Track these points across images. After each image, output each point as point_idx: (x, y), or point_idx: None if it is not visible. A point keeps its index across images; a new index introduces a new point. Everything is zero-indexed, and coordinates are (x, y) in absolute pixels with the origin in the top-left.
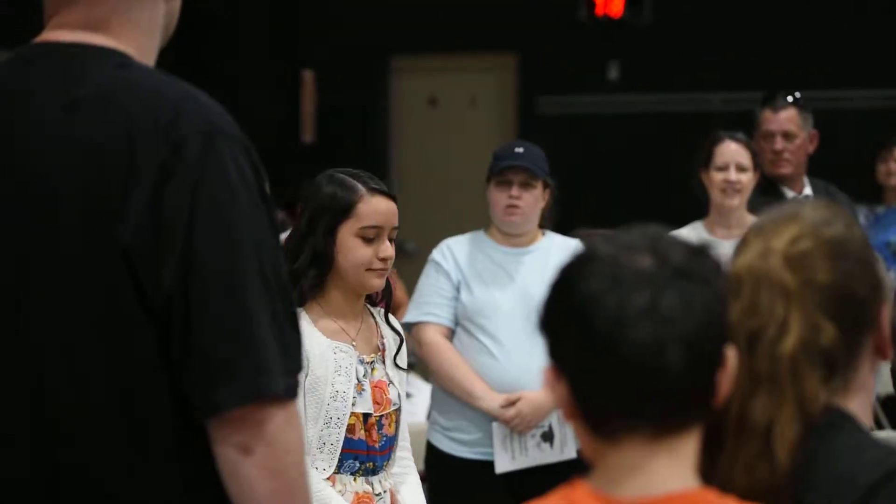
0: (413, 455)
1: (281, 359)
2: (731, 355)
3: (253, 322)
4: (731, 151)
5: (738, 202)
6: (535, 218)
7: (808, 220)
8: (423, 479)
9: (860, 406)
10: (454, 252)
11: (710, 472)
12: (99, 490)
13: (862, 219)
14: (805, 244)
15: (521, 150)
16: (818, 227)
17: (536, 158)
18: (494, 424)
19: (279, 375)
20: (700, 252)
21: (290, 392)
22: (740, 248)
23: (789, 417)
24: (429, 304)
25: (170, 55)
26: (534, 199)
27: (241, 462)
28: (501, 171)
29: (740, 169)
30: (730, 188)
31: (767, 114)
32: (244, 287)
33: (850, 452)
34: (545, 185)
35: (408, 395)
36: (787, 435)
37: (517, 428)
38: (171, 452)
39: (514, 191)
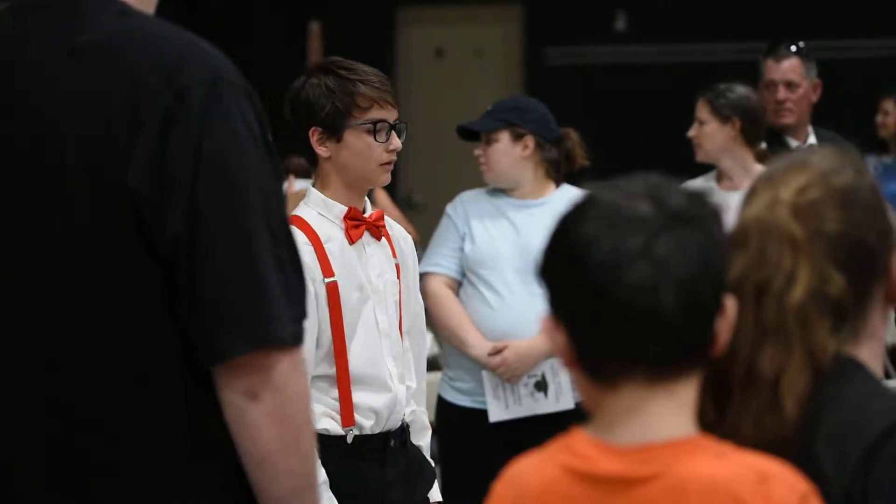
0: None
1: (287, 306)
2: (731, 304)
3: (259, 269)
4: (697, 107)
5: (701, 156)
6: (516, 169)
7: (817, 169)
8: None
9: (870, 354)
10: (465, 205)
11: (719, 423)
12: (108, 439)
13: (871, 169)
14: (814, 193)
15: (489, 108)
16: (827, 175)
17: (499, 111)
18: (484, 373)
19: (285, 322)
20: (698, 198)
21: (296, 338)
22: (749, 197)
23: (798, 368)
24: (436, 255)
25: (175, 6)
26: (498, 153)
27: (247, 408)
28: (463, 132)
29: (700, 123)
30: (693, 142)
31: (770, 63)
32: (249, 234)
33: (858, 401)
34: (518, 135)
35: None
36: (796, 385)
37: (504, 376)
38: (178, 401)
39: (479, 149)
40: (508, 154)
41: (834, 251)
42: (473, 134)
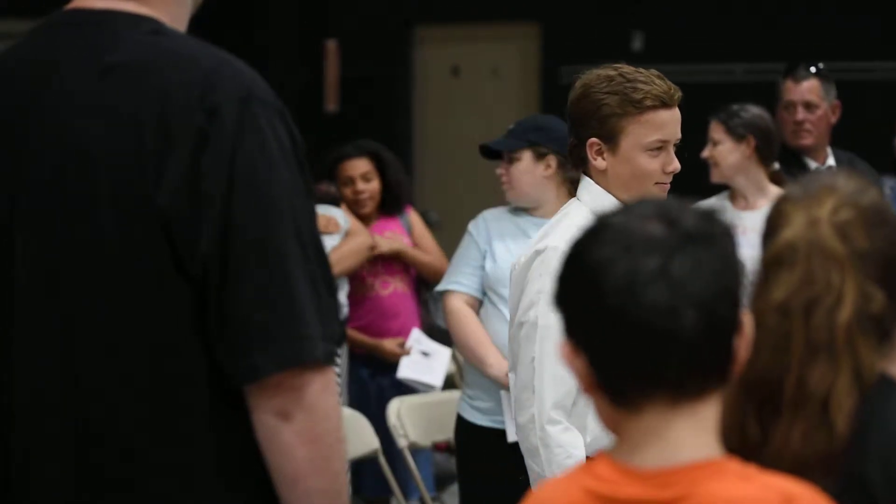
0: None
1: (319, 324)
2: (748, 321)
3: (291, 287)
4: (710, 129)
5: (716, 176)
6: (538, 189)
7: (844, 191)
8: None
9: None
10: (488, 223)
11: (763, 441)
12: (134, 458)
13: (887, 190)
14: (846, 214)
15: (511, 126)
16: (855, 196)
17: (522, 130)
18: (503, 392)
19: (317, 341)
20: (710, 217)
21: (328, 358)
22: (779, 219)
23: (846, 386)
24: (457, 273)
25: (191, 25)
26: (520, 172)
27: (279, 428)
28: (487, 152)
29: (714, 143)
30: (709, 161)
31: (789, 84)
32: (282, 253)
33: None
34: (540, 155)
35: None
36: (845, 403)
37: None
38: (207, 421)
39: (502, 168)
40: (531, 173)
41: (870, 269)
42: (495, 153)
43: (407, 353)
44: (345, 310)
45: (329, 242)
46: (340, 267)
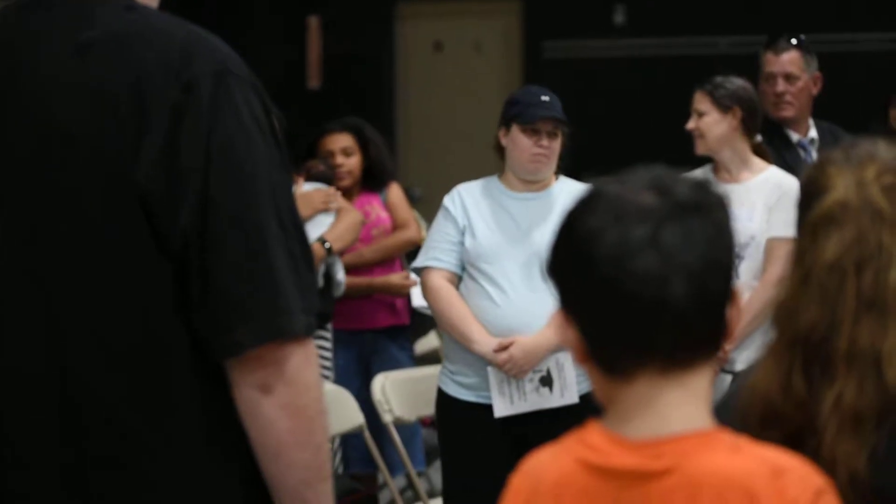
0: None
1: (299, 297)
2: (740, 292)
3: (270, 262)
4: (694, 100)
5: (702, 148)
6: (555, 164)
7: (885, 157)
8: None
9: None
10: (463, 198)
11: (810, 397)
12: (118, 435)
13: None
14: (889, 179)
15: (546, 98)
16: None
17: (559, 105)
18: (489, 368)
19: (298, 314)
20: (704, 187)
21: (308, 330)
22: (823, 181)
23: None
24: (435, 249)
25: (173, 2)
26: (557, 147)
27: (260, 401)
28: (533, 120)
29: (699, 115)
30: (692, 134)
31: (769, 56)
32: (261, 227)
33: None
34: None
35: None
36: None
37: (510, 372)
38: (191, 394)
39: (545, 140)
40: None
41: None
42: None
43: (415, 283)
44: (342, 287)
45: (326, 220)
46: (341, 243)
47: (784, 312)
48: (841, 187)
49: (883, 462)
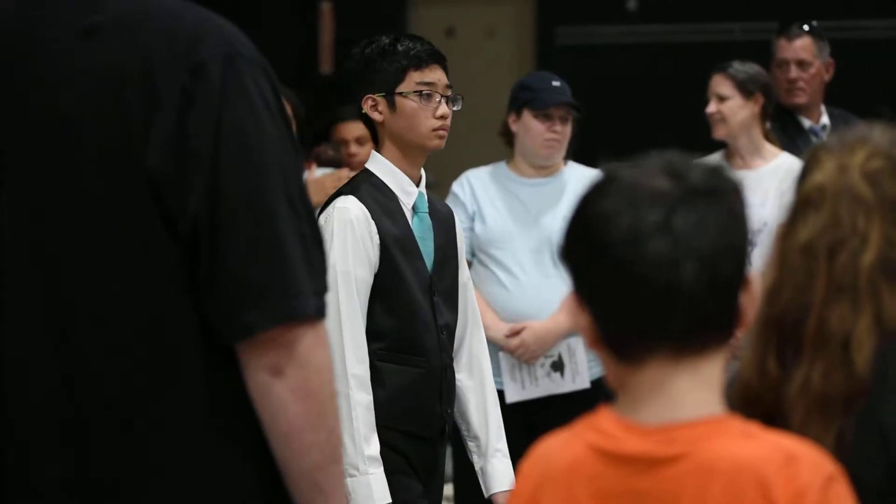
0: None
1: (310, 280)
2: (754, 278)
3: (281, 244)
4: (713, 83)
5: (722, 132)
6: (565, 149)
7: (877, 141)
8: None
9: None
10: (472, 183)
11: (782, 381)
12: (125, 419)
13: None
14: (877, 163)
15: (557, 83)
16: (888, 147)
17: (569, 90)
18: (501, 354)
19: (309, 296)
20: (718, 172)
21: (319, 312)
22: (812, 164)
23: (866, 329)
24: None
25: None
26: (569, 133)
27: (272, 384)
28: (546, 105)
29: (720, 99)
30: (711, 118)
31: (782, 42)
32: (272, 209)
33: None
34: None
35: None
36: (865, 346)
37: (522, 357)
38: (199, 379)
39: (558, 125)
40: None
41: None
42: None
43: None
44: None
45: None
46: None
47: (765, 294)
48: (822, 171)
49: (850, 446)
